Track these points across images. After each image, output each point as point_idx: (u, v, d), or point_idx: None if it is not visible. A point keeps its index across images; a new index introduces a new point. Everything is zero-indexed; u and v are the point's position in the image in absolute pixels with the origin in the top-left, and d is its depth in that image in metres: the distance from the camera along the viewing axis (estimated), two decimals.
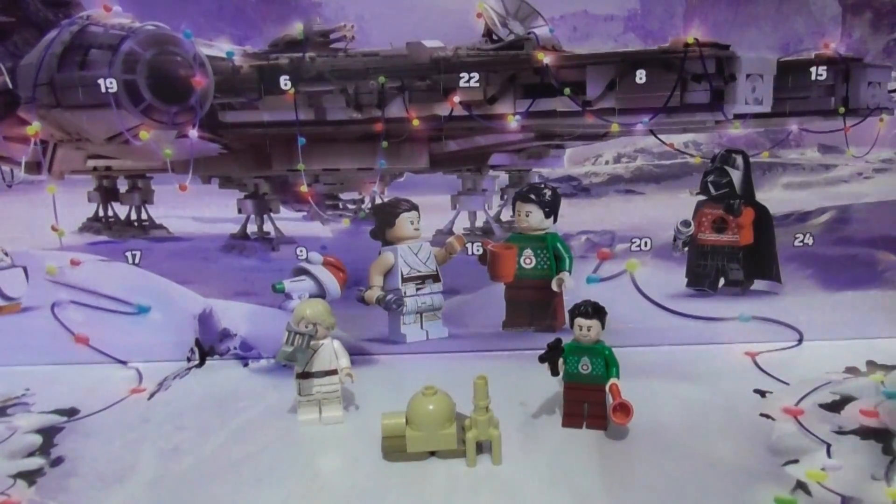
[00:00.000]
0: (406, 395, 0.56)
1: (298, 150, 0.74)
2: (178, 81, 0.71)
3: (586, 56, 0.73)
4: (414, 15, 0.72)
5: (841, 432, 0.57)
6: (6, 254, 0.77)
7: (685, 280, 0.79)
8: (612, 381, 0.57)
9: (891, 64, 0.75)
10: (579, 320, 0.57)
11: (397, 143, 0.75)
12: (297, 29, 0.72)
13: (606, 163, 0.80)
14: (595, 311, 0.57)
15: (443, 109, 0.74)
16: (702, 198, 0.78)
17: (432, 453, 0.55)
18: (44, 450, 0.60)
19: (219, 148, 0.76)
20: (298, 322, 0.61)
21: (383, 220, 0.73)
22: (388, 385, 0.68)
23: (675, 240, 0.78)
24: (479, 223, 0.81)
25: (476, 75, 0.73)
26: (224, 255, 0.78)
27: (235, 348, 0.78)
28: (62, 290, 0.78)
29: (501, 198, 0.80)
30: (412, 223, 0.72)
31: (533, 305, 0.75)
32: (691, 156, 0.77)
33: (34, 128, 0.73)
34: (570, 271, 0.73)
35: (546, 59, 0.72)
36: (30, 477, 0.55)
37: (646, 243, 0.78)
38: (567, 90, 0.72)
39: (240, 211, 0.78)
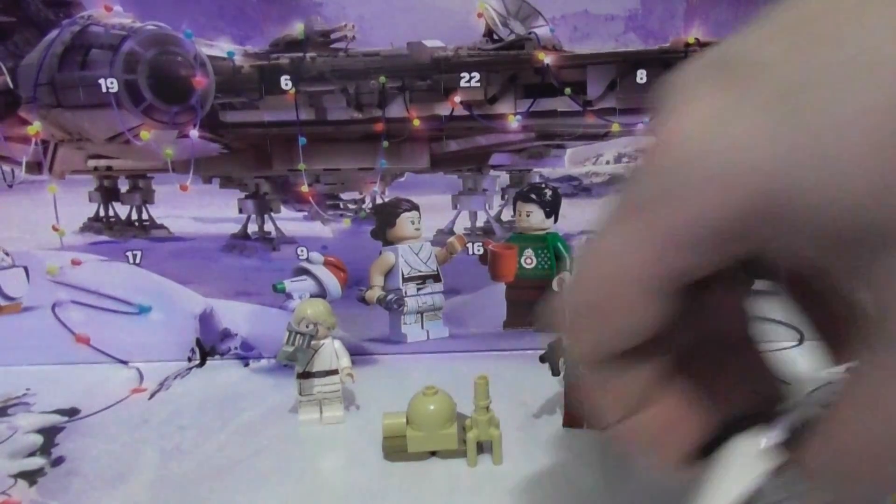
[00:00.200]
0: (407, 395, 0.56)
1: (299, 149, 0.74)
2: (178, 81, 0.71)
3: (587, 56, 0.73)
4: (414, 15, 0.72)
5: None
6: (7, 254, 0.77)
7: None
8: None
9: None
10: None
11: (398, 143, 0.75)
12: (297, 29, 0.72)
13: (607, 163, 0.80)
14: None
15: (443, 109, 0.74)
16: None
17: (433, 453, 0.55)
18: (45, 449, 0.60)
19: (219, 148, 0.76)
20: (299, 322, 0.61)
21: (384, 220, 0.73)
22: (389, 385, 0.68)
23: None
24: (480, 223, 0.81)
25: (477, 75, 0.73)
26: (225, 255, 0.78)
27: (236, 348, 0.78)
28: (63, 290, 0.78)
29: (502, 198, 0.80)
30: (413, 223, 0.72)
31: (534, 305, 0.74)
32: None
33: (35, 128, 0.73)
34: (570, 271, 0.73)
35: (547, 58, 0.72)
36: (31, 477, 0.55)
37: None
38: (568, 90, 0.72)
39: (240, 211, 0.78)
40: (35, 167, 0.75)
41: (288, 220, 0.79)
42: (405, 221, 0.72)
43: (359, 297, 0.72)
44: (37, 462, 0.58)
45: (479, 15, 0.73)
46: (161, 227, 0.79)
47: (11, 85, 0.72)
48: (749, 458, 0.30)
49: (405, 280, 0.72)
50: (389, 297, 0.71)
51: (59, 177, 0.76)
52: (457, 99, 0.73)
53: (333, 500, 0.52)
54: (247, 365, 0.77)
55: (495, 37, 0.73)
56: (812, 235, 0.22)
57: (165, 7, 0.72)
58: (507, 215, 0.80)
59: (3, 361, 0.77)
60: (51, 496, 0.53)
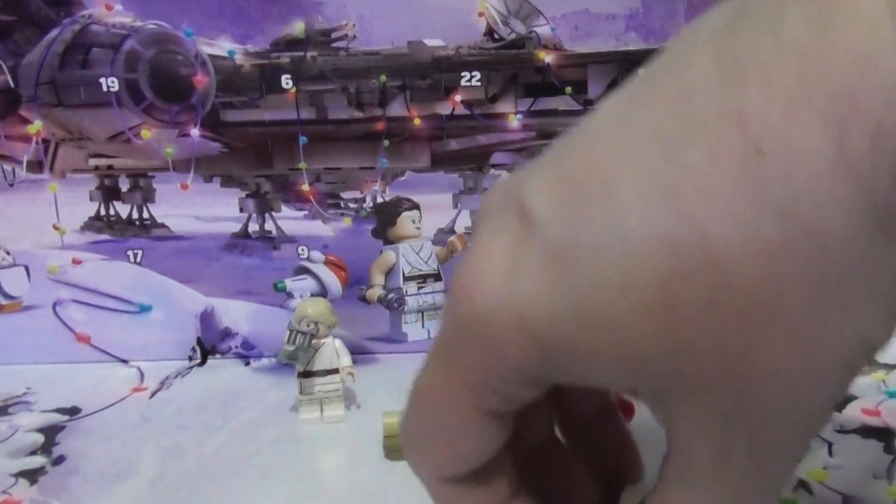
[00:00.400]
0: (407, 394, 0.56)
1: (300, 148, 0.74)
2: (179, 80, 0.72)
3: (588, 55, 0.73)
4: (415, 14, 0.72)
5: (842, 431, 0.57)
6: (8, 253, 0.77)
7: None
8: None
9: None
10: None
11: (399, 142, 0.75)
12: (298, 28, 0.72)
13: None
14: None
15: (444, 108, 0.74)
16: None
17: None
18: (45, 448, 0.60)
19: (220, 147, 0.76)
20: (300, 321, 0.61)
21: (385, 219, 0.73)
22: (390, 384, 0.68)
23: None
24: None
25: (477, 74, 0.73)
26: (225, 254, 0.78)
27: (237, 347, 0.78)
28: (64, 289, 0.78)
29: None
30: (414, 222, 0.72)
31: None
32: None
33: (36, 127, 0.73)
34: None
35: (548, 58, 0.72)
36: (31, 476, 0.55)
37: None
38: (568, 89, 0.72)
39: (241, 210, 0.78)
40: (36, 166, 0.75)
41: (289, 219, 0.79)
42: (406, 220, 0.72)
43: (359, 296, 0.72)
44: (37, 461, 0.58)
45: (480, 14, 0.73)
46: (162, 226, 0.79)
47: (12, 84, 0.72)
48: None
49: (406, 279, 0.72)
50: (390, 296, 0.71)
51: (60, 176, 0.76)
52: (457, 98, 0.73)
53: (334, 499, 0.52)
54: (247, 364, 0.77)
55: (496, 36, 0.73)
56: (601, 381, 0.24)
57: (166, 6, 0.72)
58: None
59: (3, 360, 0.77)
60: (51, 495, 0.53)
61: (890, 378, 0.67)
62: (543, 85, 0.73)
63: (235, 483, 0.53)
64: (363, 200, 0.78)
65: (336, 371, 0.62)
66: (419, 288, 0.73)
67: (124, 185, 0.78)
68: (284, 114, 0.73)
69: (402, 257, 0.72)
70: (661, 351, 0.20)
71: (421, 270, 0.73)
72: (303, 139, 0.73)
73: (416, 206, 0.73)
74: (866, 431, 0.57)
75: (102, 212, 0.79)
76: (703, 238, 0.19)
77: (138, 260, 0.78)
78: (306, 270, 0.71)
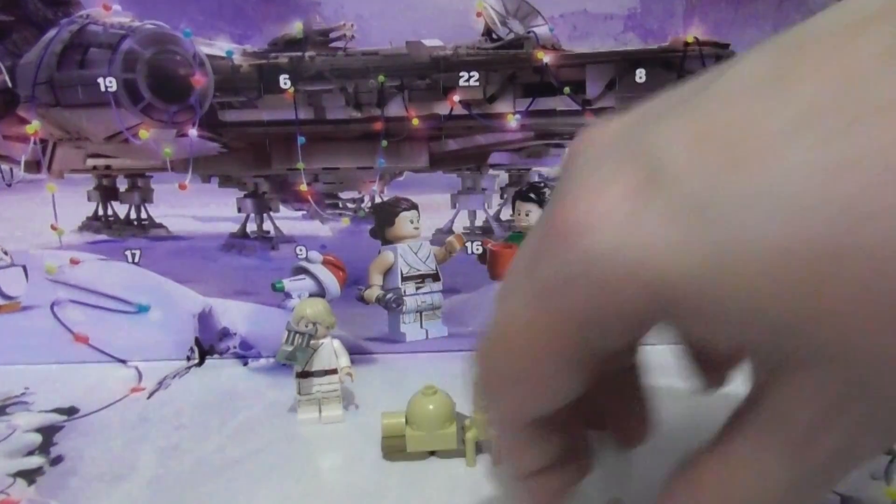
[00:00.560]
0: (406, 395, 0.56)
1: (298, 148, 0.74)
2: (177, 80, 0.71)
3: (586, 55, 0.73)
4: (413, 14, 0.72)
5: None
6: (5, 252, 0.77)
7: None
8: None
9: None
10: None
11: (397, 142, 0.75)
12: (296, 28, 0.72)
13: None
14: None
15: (442, 108, 0.74)
16: None
17: (432, 453, 0.55)
18: (43, 448, 0.60)
19: (218, 147, 0.75)
20: (298, 321, 0.61)
21: (383, 219, 0.73)
22: (388, 384, 0.68)
23: None
24: (479, 222, 0.81)
25: (476, 74, 0.73)
26: (224, 254, 0.78)
27: (235, 347, 0.78)
28: (62, 289, 0.78)
29: (501, 197, 0.80)
30: (412, 222, 0.72)
31: None
32: None
33: (34, 126, 0.73)
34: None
35: (546, 58, 0.72)
36: (29, 476, 0.55)
37: None
38: (567, 89, 0.72)
39: (239, 210, 0.78)
40: (34, 166, 0.75)
41: (287, 219, 0.79)
42: (404, 220, 0.72)
43: (358, 296, 0.72)
44: (35, 461, 0.58)
45: (478, 14, 0.73)
46: (160, 226, 0.79)
47: (10, 84, 0.72)
48: None
49: (404, 279, 0.72)
50: (388, 296, 0.71)
51: (58, 176, 0.76)
52: (456, 98, 0.73)
53: (332, 500, 0.52)
54: (246, 364, 0.77)
55: (494, 36, 0.73)
56: (716, 334, 0.24)
57: (164, 6, 0.72)
58: (506, 214, 0.80)
59: (1, 360, 0.77)
60: (50, 495, 0.53)
61: None
62: (542, 85, 0.73)
63: (234, 483, 0.53)
64: (361, 200, 0.78)
65: (334, 371, 0.62)
66: (417, 288, 0.73)
67: (122, 186, 0.78)
68: (283, 114, 0.73)
69: (401, 257, 0.72)
70: (801, 316, 0.20)
71: (419, 271, 0.73)
72: (301, 139, 0.73)
73: (414, 207, 0.73)
74: None
75: (100, 212, 0.79)
76: (887, 215, 0.19)
77: (136, 260, 0.78)
78: (304, 270, 0.71)
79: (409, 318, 0.73)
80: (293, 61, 0.72)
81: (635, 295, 0.22)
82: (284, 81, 0.72)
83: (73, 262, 0.77)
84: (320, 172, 0.77)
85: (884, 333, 0.20)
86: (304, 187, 0.75)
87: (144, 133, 0.72)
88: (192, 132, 0.73)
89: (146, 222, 0.79)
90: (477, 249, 0.75)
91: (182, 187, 0.75)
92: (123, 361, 0.77)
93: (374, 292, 0.72)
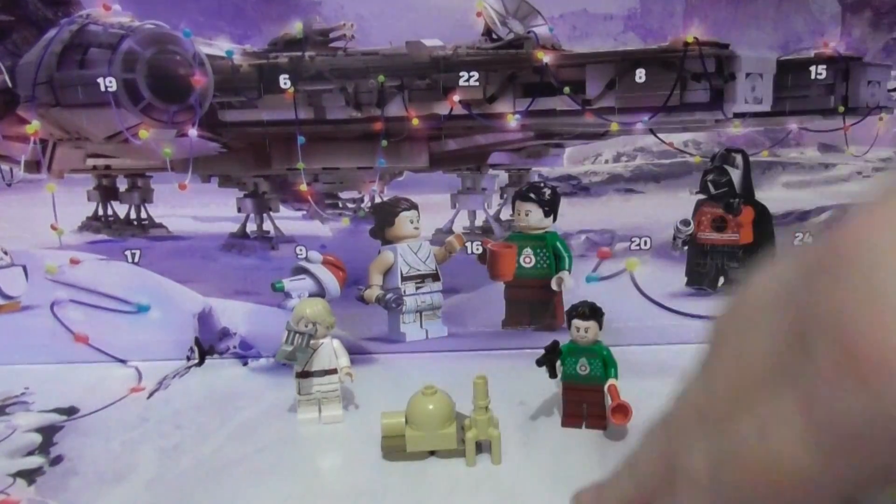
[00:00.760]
0: (406, 395, 0.56)
1: (298, 148, 0.74)
2: (177, 80, 0.71)
3: (586, 55, 0.73)
4: (413, 14, 0.72)
5: None
6: (6, 252, 0.77)
7: (685, 279, 0.79)
8: (611, 381, 0.57)
9: (890, 63, 0.75)
10: (576, 321, 0.57)
11: (397, 142, 0.75)
12: (296, 28, 0.72)
13: (606, 162, 0.80)
14: (592, 312, 0.57)
15: (442, 108, 0.74)
16: (701, 197, 0.78)
17: (432, 453, 0.55)
18: (43, 448, 0.60)
19: (218, 147, 0.75)
20: (298, 321, 0.61)
21: (383, 219, 0.73)
22: (388, 384, 0.68)
23: (674, 239, 0.78)
24: (479, 222, 0.81)
25: (476, 74, 0.73)
26: (223, 254, 0.78)
27: (235, 347, 0.78)
28: (62, 289, 0.78)
29: (501, 197, 0.80)
30: (412, 222, 0.72)
31: (533, 304, 0.75)
32: (691, 155, 0.77)
33: (34, 126, 0.73)
34: (569, 270, 0.73)
35: (546, 58, 0.72)
36: (29, 476, 0.55)
37: (645, 242, 0.78)
38: (567, 89, 0.72)
39: (239, 210, 0.78)
40: (34, 166, 0.75)
41: (287, 219, 0.79)
42: (404, 220, 0.72)
43: (357, 296, 0.72)
44: (35, 461, 0.58)
45: (478, 14, 0.73)
46: (160, 226, 0.79)
47: (10, 84, 0.72)
48: None
49: (404, 279, 0.72)
50: (388, 296, 0.71)
51: (58, 176, 0.76)
52: (456, 98, 0.73)
53: (332, 500, 0.52)
54: (245, 364, 0.77)
55: (494, 36, 0.73)
56: None
57: (164, 6, 0.72)
58: (505, 214, 0.80)
59: (1, 360, 0.77)
60: (49, 495, 0.53)
61: None
62: (541, 85, 0.73)
63: (233, 483, 0.53)
64: (361, 200, 0.78)
65: (334, 371, 0.62)
66: (417, 288, 0.73)
67: (122, 185, 0.78)
68: (282, 114, 0.73)
69: (401, 257, 0.72)
70: None
71: (419, 270, 0.73)
72: (301, 139, 0.73)
73: (414, 206, 0.73)
74: None
75: (100, 212, 0.79)
76: None
77: (136, 260, 0.78)
78: (304, 270, 0.71)
79: (408, 317, 0.73)
80: (293, 61, 0.72)
81: None
82: (284, 81, 0.72)
83: (73, 261, 0.77)
84: (320, 172, 0.77)
85: None
86: (304, 187, 0.75)
87: (144, 133, 0.72)
88: (192, 132, 0.72)
89: (146, 222, 0.79)
90: (477, 249, 0.75)
91: (182, 187, 0.75)
92: (123, 361, 0.77)
93: (374, 292, 0.72)
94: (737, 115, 0.73)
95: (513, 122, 0.74)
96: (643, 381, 0.67)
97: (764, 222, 0.78)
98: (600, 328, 0.58)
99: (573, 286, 0.73)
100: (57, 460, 0.58)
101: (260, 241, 0.79)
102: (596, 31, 0.73)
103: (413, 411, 0.55)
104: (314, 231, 0.78)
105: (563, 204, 0.74)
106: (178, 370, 0.75)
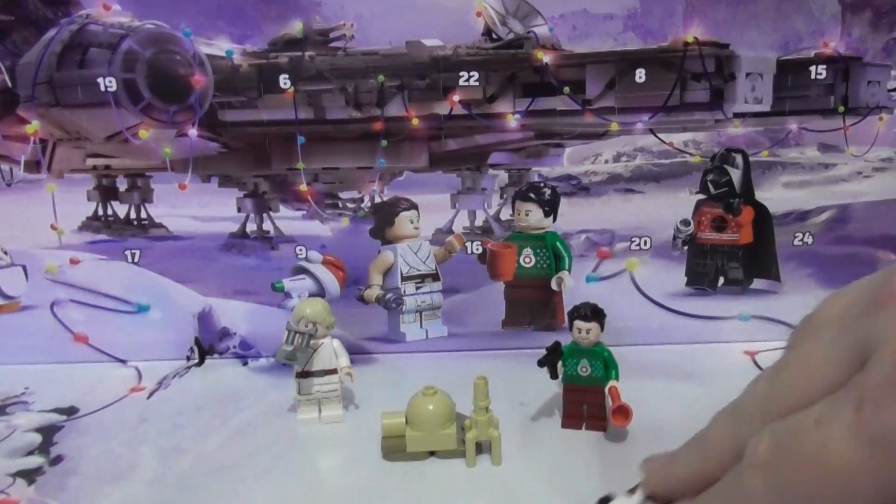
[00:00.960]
0: (406, 395, 0.56)
1: (298, 148, 0.74)
2: (177, 80, 0.71)
3: (586, 55, 0.73)
4: (413, 14, 0.72)
5: None
6: (5, 252, 0.77)
7: (685, 279, 0.79)
8: (612, 383, 0.57)
9: (890, 63, 0.75)
10: (578, 323, 0.57)
11: (397, 142, 0.75)
12: (296, 28, 0.72)
13: (606, 162, 0.80)
14: (594, 313, 0.57)
15: (442, 108, 0.74)
16: (701, 197, 0.78)
17: (432, 453, 0.55)
18: (43, 448, 0.60)
19: (218, 147, 0.75)
20: (298, 321, 0.61)
21: (383, 219, 0.73)
22: (388, 384, 0.68)
23: (674, 239, 0.78)
24: (479, 222, 0.81)
25: (476, 74, 0.73)
26: (223, 254, 0.78)
27: (235, 347, 0.78)
28: (61, 289, 0.78)
29: (501, 197, 0.80)
30: (412, 222, 0.72)
31: (533, 304, 0.75)
32: (691, 155, 0.77)
33: (33, 126, 0.73)
34: (569, 270, 0.73)
35: (545, 57, 0.72)
36: (29, 476, 0.55)
37: (645, 242, 0.78)
38: (566, 89, 0.72)
39: (239, 210, 0.78)
40: (33, 166, 0.75)
41: (287, 219, 0.79)
42: (404, 220, 0.72)
43: (357, 296, 0.72)
44: (35, 461, 0.57)
45: (478, 14, 0.73)
46: (160, 225, 0.79)
47: (10, 84, 0.72)
48: None
49: (404, 279, 0.72)
50: (388, 296, 0.71)
51: (58, 176, 0.76)
52: (455, 98, 0.73)
53: (332, 500, 0.52)
54: (245, 364, 0.77)
55: (494, 36, 0.73)
56: None
57: (164, 6, 0.72)
58: (505, 214, 0.80)
59: (1, 360, 0.77)
60: (49, 495, 0.53)
61: None
62: (541, 85, 0.73)
63: (233, 483, 0.53)
64: (361, 200, 0.78)
65: (334, 371, 0.62)
66: (417, 288, 0.73)
67: (122, 185, 0.78)
68: (282, 114, 0.73)
69: (401, 257, 0.72)
70: None
71: (419, 270, 0.73)
72: (301, 139, 0.73)
73: (414, 206, 0.73)
74: None
75: (100, 212, 0.79)
76: None
77: (136, 260, 0.78)
78: (304, 270, 0.71)
79: (408, 317, 0.73)
80: (293, 61, 0.72)
81: None
82: (284, 81, 0.72)
83: (73, 261, 0.77)
84: (320, 172, 0.77)
85: None
86: (303, 187, 0.75)
87: (144, 133, 0.72)
88: (192, 132, 0.72)
89: (146, 222, 0.79)
90: (477, 249, 0.75)
91: (182, 187, 0.75)
92: (123, 361, 0.77)
93: (374, 292, 0.72)
94: (737, 115, 0.73)
95: (513, 122, 0.74)
96: (643, 381, 0.67)
97: (764, 222, 0.78)
98: (602, 330, 0.58)
99: (573, 286, 0.73)
100: (57, 460, 0.58)
101: (260, 241, 0.79)
102: (596, 31, 0.73)
103: (413, 411, 0.55)
104: (314, 231, 0.78)
105: (563, 204, 0.74)
106: (178, 370, 0.75)
